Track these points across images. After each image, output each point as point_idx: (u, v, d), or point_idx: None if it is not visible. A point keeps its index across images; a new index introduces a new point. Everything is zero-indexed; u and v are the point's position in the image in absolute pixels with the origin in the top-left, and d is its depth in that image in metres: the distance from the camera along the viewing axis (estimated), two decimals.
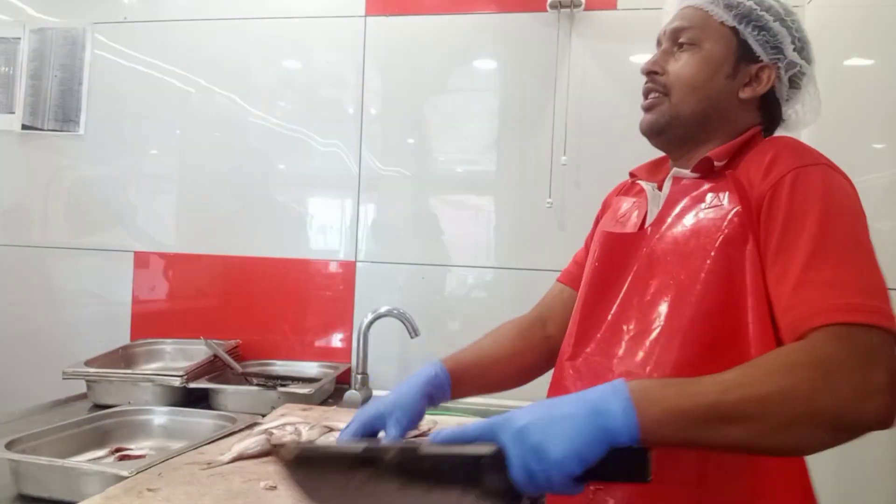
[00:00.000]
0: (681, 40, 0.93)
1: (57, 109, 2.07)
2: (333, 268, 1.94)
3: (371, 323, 1.73)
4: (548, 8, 1.79)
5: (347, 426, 0.88)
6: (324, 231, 1.95)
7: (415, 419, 0.90)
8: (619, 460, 0.65)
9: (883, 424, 0.66)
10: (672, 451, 0.77)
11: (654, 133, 0.95)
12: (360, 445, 0.72)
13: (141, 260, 2.03)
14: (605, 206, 1.11)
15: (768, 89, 0.92)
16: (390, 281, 1.90)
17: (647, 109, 0.95)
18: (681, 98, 0.91)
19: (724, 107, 0.92)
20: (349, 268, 1.92)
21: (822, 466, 0.87)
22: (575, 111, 1.79)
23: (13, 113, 2.08)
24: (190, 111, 2.01)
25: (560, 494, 0.66)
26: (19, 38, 2.08)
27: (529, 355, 1.06)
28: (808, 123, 0.97)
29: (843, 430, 0.67)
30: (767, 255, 0.78)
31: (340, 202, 1.93)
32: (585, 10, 1.78)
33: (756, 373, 0.68)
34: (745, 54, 0.91)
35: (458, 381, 0.98)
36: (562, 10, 1.79)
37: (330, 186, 1.94)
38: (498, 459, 0.66)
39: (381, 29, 1.91)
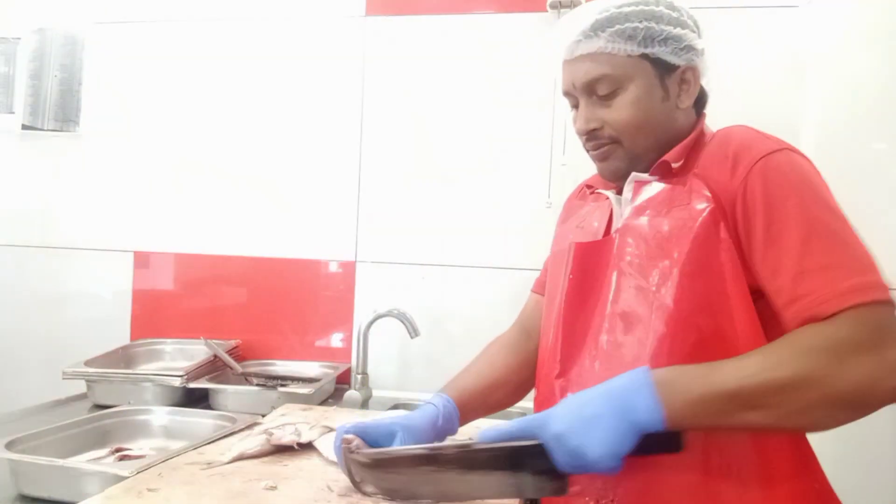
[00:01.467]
0: (600, 92, 0.90)
1: (57, 109, 2.07)
2: (333, 268, 1.94)
3: (371, 323, 1.73)
4: (548, 8, 1.79)
5: (352, 426, 0.92)
6: (324, 231, 1.94)
7: (419, 432, 0.93)
8: (651, 439, 0.73)
9: None
10: (677, 456, 0.78)
11: (619, 178, 0.94)
12: (423, 447, 0.83)
13: (141, 260, 2.03)
14: (565, 210, 1.11)
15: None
16: (390, 281, 1.90)
17: (602, 159, 0.94)
18: (632, 141, 0.90)
19: (671, 123, 0.92)
20: (349, 268, 1.93)
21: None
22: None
23: (13, 113, 2.08)
24: (189, 111, 2.01)
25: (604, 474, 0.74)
26: (19, 38, 2.08)
27: (525, 371, 1.07)
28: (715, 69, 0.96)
29: (859, 408, 0.71)
30: (754, 250, 0.79)
31: (340, 202, 1.93)
32: None
33: (774, 358, 0.71)
34: (664, 70, 0.90)
35: (463, 410, 1.01)
36: (562, 10, 1.78)
37: (330, 186, 1.94)
38: (542, 449, 0.75)
39: (381, 29, 1.92)
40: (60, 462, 1.03)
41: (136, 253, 2.03)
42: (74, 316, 2.04)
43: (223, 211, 1.99)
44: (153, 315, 2.01)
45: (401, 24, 1.91)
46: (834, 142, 1.50)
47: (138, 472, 0.97)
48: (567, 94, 0.95)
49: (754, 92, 1.70)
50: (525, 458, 0.76)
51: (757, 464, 0.80)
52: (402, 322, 1.66)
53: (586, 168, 1.77)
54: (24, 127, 2.07)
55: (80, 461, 1.13)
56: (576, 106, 0.95)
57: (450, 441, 0.95)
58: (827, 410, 0.70)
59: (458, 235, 1.88)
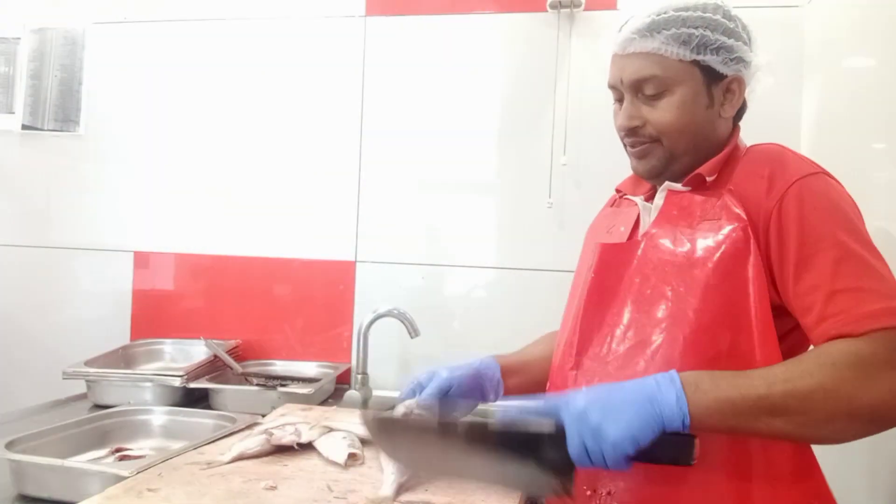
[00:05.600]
0: (647, 91, 0.91)
1: (57, 109, 2.07)
2: (333, 268, 1.94)
3: (371, 323, 1.73)
4: (548, 8, 1.79)
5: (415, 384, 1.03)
6: (324, 231, 1.94)
7: (463, 380, 1.01)
8: (666, 444, 0.74)
9: None
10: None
11: (653, 177, 0.96)
12: (435, 420, 0.83)
13: (141, 260, 2.02)
14: (597, 218, 1.12)
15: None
16: (390, 281, 1.90)
17: (640, 157, 0.95)
18: (672, 142, 0.92)
19: (711, 130, 0.93)
20: (349, 268, 1.92)
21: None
22: (575, 111, 1.79)
23: (13, 113, 2.08)
24: (190, 111, 2.01)
25: (611, 470, 0.74)
26: (19, 38, 2.08)
27: None
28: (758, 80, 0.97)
29: (880, 423, 0.73)
30: (785, 270, 0.80)
31: (340, 202, 1.93)
32: (585, 10, 1.78)
33: (801, 369, 0.73)
34: (712, 78, 0.91)
35: (505, 370, 1.07)
36: (562, 10, 1.78)
37: (330, 186, 1.94)
38: (557, 436, 0.75)
39: (381, 29, 1.91)
40: (60, 462, 1.03)
41: (136, 253, 2.03)
42: (74, 316, 2.04)
43: (223, 211, 1.99)
44: (153, 315, 2.01)
45: (401, 24, 1.91)
46: (834, 142, 1.50)
47: (138, 472, 0.97)
48: (612, 87, 0.97)
49: (754, 91, 1.70)
50: (538, 444, 0.76)
51: (758, 465, 0.80)
52: (402, 322, 1.66)
53: (586, 168, 1.79)
54: (24, 127, 2.07)
55: (80, 461, 1.13)
56: (619, 100, 0.96)
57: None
58: (848, 423, 0.72)
59: (458, 235, 1.87)
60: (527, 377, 1.09)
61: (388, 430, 0.82)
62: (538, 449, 0.76)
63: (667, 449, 0.74)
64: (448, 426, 0.79)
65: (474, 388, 1.03)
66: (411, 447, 0.81)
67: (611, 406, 0.74)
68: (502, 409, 0.82)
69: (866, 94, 1.35)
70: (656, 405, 0.73)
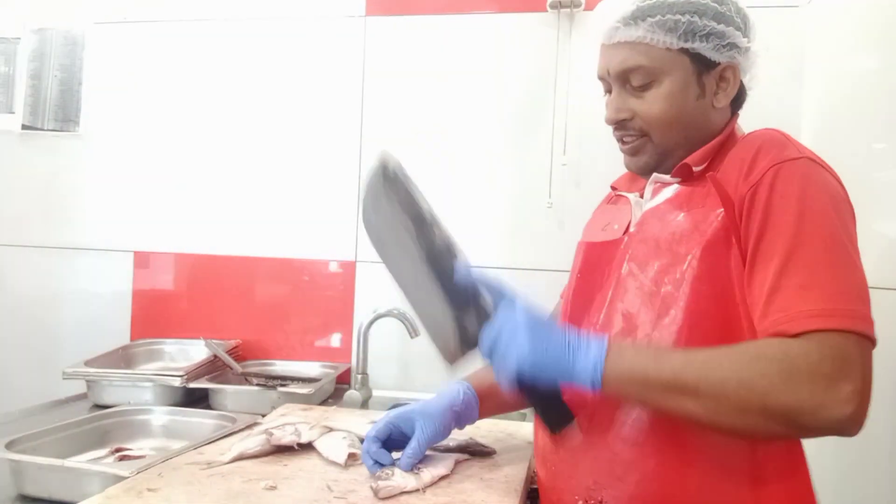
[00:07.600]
0: (634, 83, 0.87)
1: (57, 109, 2.07)
2: (333, 268, 1.94)
3: (371, 323, 1.73)
4: (548, 8, 1.79)
5: (377, 423, 0.99)
6: (324, 231, 1.94)
7: (439, 430, 0.98)
8: (551, 400, 0.81)
9: (844, 432, 0.68)
10: (669, 461, 0.79)
11: (647, 173, 0.93)
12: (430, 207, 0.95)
13: (141, 260, 2.03)
14: (593, 216, 1.10)
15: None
16: (390, 281, 1.89)
17: (632, 154, 0.92)
18: (662, 135, 0.88)
19: (704, 121, 0.89)
20: (349, 268, 1.92)
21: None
22: (575, 111, 1.79)
23: (13, 113, 2.08)
24: (190, 111, 2.01)
25: (496, 376, 0.78)
26: (19, 38, 2.08)
27: None
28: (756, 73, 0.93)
29: (797, 428, 0.70)
30: (747, 258, 0.77)
31: (340, 202, 1.93)
32: (585, 10, 1.78)
33: (723, 356, 0.72)
34: (703, 66, 0.86)
35: (483, 399, 1.03)
36: (562, 10, 1.78)
37: (330, 186, 1.94)
38: (485, 314, 0.83)
39: (381, 29, 1.92)
40: (60, 462, 1.03)
41: (136, 253, 2.03)
42: (74, 316, 2.04)
43: (223, 211, 1.99)
44: (153, 315, 2.01)
45: (401, 24, 1.91)
46: (834, 142, 1.50)
47: (138, 472, 0.97)
48: (601, 78, 0.93)
49: (754, 91, 1.70)
50: (469, 306, 0.86)
51: (748, 463, 0.78)
52: (402, 322, 1.66)
53: (586, 168, 1.79)
54: (24, 127, 2.07)
55: (80, 461, 1.13)
56: (609, 91, 0.92)
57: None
58: (761, 418, 0.69)
59: (458, 235, 1.87)
60: (506, 404, 1.07)
61: (392, 189, 0.92)
62: (466, 312, 0.84)
63: (548, 404, 0.80)
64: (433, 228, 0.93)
65: (448, 425, 1.01)
66: (397, 247, 0.93)
67: (534, 331, 0.76)
68: (468, 266, 0.90)
69: (866, 94, 1.35)
70: (571, 354, 0.75)
